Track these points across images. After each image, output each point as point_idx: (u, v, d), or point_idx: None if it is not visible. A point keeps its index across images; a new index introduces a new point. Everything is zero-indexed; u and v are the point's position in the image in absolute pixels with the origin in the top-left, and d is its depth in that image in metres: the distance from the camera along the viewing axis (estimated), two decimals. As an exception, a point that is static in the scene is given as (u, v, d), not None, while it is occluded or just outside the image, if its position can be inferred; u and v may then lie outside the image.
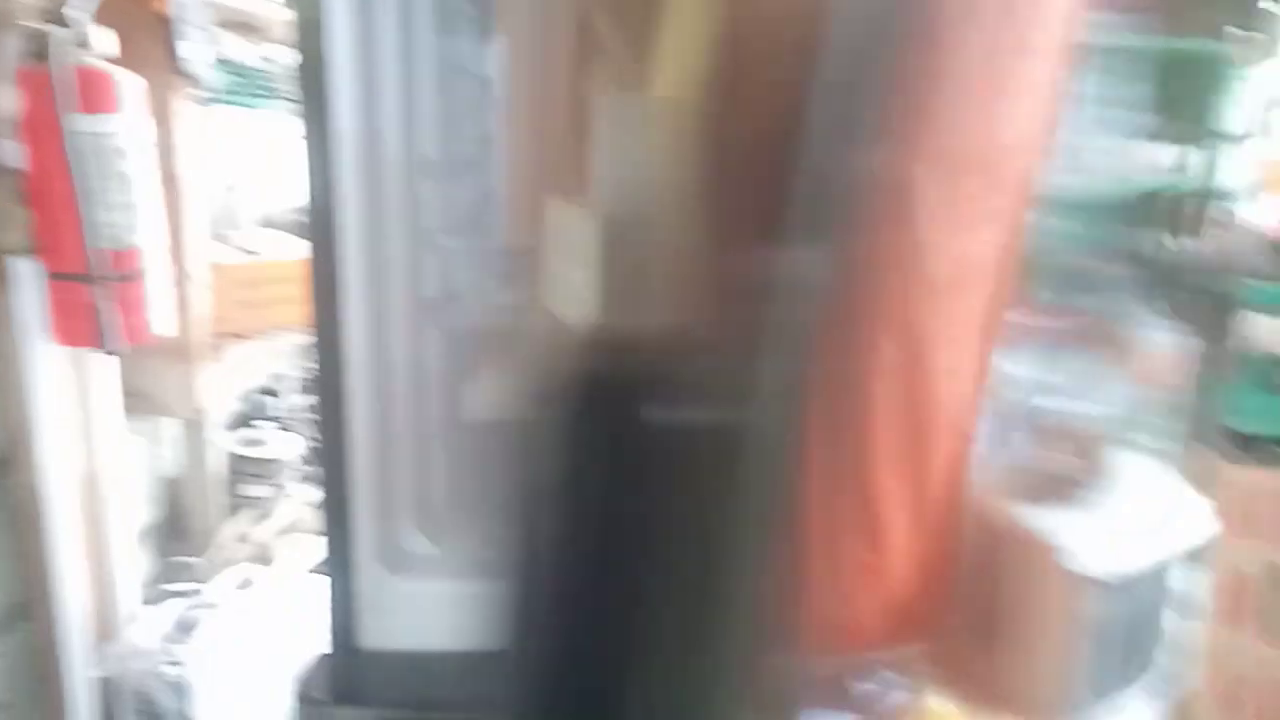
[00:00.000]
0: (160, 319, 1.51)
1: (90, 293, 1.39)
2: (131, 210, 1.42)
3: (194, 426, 1.94)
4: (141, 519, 1.93)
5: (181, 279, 1.69)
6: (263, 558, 2.15)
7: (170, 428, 1.98)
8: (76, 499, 1.61)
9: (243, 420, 2.20)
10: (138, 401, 1.81)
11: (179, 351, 1.78)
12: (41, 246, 1.40)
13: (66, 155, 1.33)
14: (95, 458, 1.65)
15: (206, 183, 1.87)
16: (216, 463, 2.00)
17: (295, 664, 1.52)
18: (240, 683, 1.44)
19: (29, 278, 1.42)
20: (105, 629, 1.71)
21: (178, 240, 1.69)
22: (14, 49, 1.36)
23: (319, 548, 2.05)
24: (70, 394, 1.57)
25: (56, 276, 1.41)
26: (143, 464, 1.93)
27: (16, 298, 1.42)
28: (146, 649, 1.52)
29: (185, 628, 1.55)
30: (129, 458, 1.83)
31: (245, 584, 1.75)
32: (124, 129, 1.41)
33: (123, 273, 1.42)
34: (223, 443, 2.04)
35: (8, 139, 1.37)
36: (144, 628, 1.57)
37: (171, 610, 1.62)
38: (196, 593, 1.65)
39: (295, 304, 2.10)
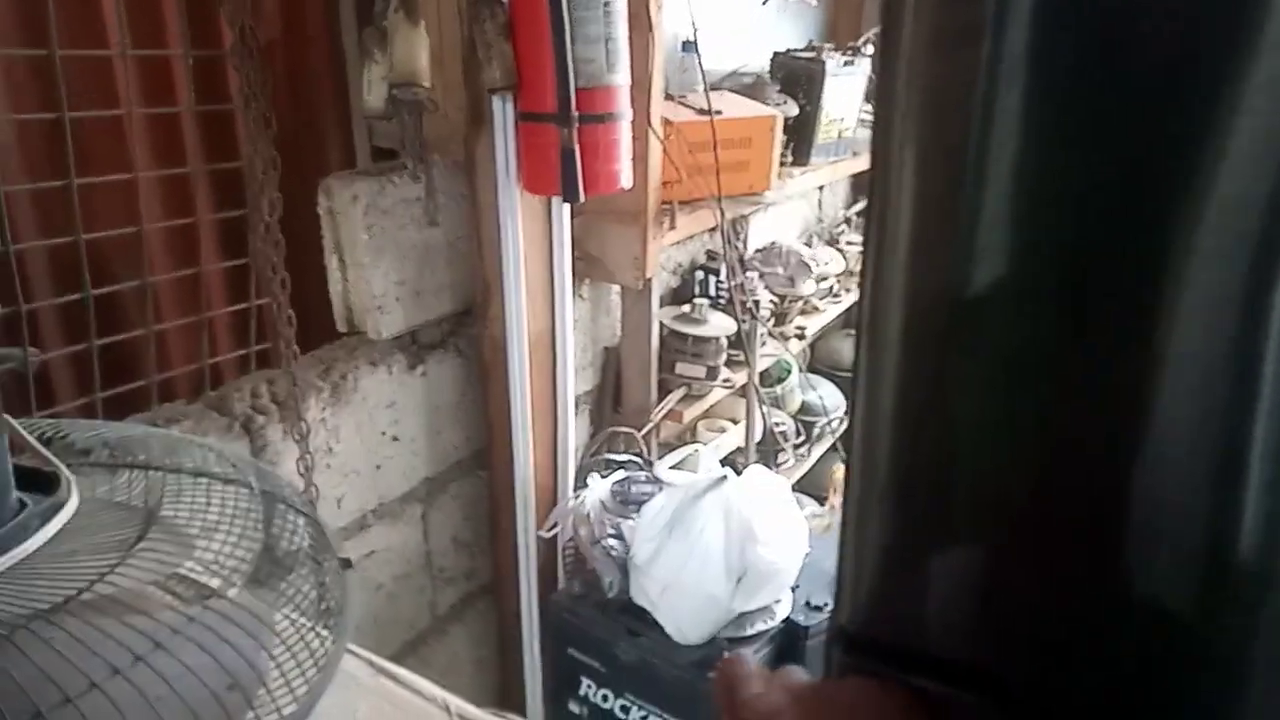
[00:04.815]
0: (626, 170, 1.39)
1: (560, 135, 1.30)
2: (610, 44, 1.29)
3: (637, 296, 1.87)
4: (584, 386, 1.93)
5: (642, 133, 1.57)
6: (689, 439, 2.09)
7: (613, 295, 1.93)
8: (532, 357, 1.59)
9: (678, 295, 2.11)
10: (586, 265, 1.76)
11: (632, 215, 1.68)
12: (519, 84, 1.32)
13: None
14: (551, 317, 1.62)
15: (669, 34, 1.73)
16: (655, 336, 1.93)
17: (740, 557, 1.41)
18: (680, 566, 1.34)
19: (507, 120, 1.36)
20: (551, 489, 1.72)
21: (640, 92, 1.56)
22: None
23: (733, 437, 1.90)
24: (535, 248, 1.53)
25: (528, 117, 1.34)
26: (587, 331, 1.91)
27: (494, 141, 1.38)
28: (590, 516, 1.48)
29: (629, 501, 1.48)
30: (577, 321, 1.81)
31: (692, 465, 1.65)
32: (602, -45, 1.28)
33: (595, 114, 1.30)
34: (660, 316, 1.96)
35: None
36: (589, 494, 1.53)
37: (616, 481, 1.56)
38: (642, 467, 1.59)
39: (750, 171, 1.96)
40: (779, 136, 1.94)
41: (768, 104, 2.02)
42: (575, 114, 1.27)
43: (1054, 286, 0.34)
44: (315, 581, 0.80)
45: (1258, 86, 0.28)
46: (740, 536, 1.33)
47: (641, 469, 1.62)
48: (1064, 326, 0.34)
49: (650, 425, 1.90)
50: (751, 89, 2.10)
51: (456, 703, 0.83)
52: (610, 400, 2.01)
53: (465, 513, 1.74)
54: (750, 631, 1.43)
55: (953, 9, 0.35)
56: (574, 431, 1.75)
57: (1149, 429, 0.33)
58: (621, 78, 1.33)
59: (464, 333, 1.61)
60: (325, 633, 0.73)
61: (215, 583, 0.72)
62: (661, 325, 1.96)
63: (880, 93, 0.39)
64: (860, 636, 0.46)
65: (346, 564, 0.77)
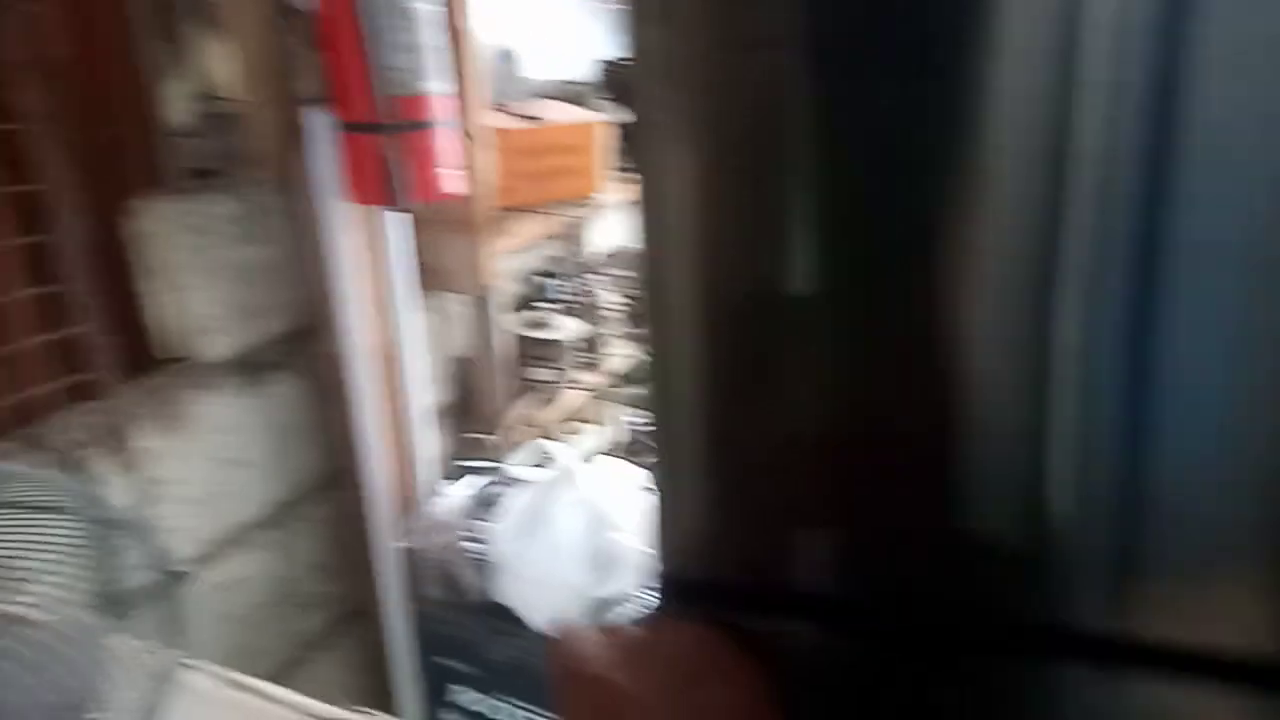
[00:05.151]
0: (451, 175, 1.41)
1: (382, 144, 1.30)
2: (420, 52, 1.31)
3: (480, 304, 1.88)
4: (433, 397, 1.92)
5: (466, 141, 1.59)
6: (547, 441, 2.10)
7: (457, 305, 1.94)
8: (376, 371, 1.58)
9: (525, 302, 2.14)
10: (425, 276, 1.76)
11: (465, 223, 1.70)
12: (332, 95, 1.32)
13: (354, -8, 1.23)
14: (391, 330, 1.61)
15: (489, 43, 1.75)
16: (502, 343, 1.95)
17: (598, 545, 1.45)
18: (540, 560, 1.36)
19: (324, 132, 1.36)
20: (407, 502, 1.70)
21: (462, 100, 1.58)
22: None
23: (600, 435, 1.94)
24: (367, 261, 1.52)
25: (347, 128, 1.33)
26: (433, 341, 1.90)
27: (312, 154, 1.37)
28: (448, 523, 1.48)
29: (486, 503, 1.49)
30: (422, 332, 1.80)
31: (544, 462, 1.67)
32: (409, -36, 1.29)
33: (413, 121, 1.31)
34: (507, 323, 1.97)
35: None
36: (445, 502, 1.53)
37: (471, 486, 1.57)
38: (496, 469, 1.59)
39: (579, 176, 2.00)
40: (605, 142, 1.99)
41: (595, 111, 2.07)
42: (392, 122, 1.28)
43: (853, 275, 0.37)
44: (151, 600, 0.78)
45: (1001, 95, 0.32)
46: (597, 525, 1.37)
47: (496, 471, 1.63)
48: (863, 306, 0.37)
49: (504, 430, 1.91)
50: (580, 97, 2.15)
51: (312, 704, 0.83)
52: (464, 409, 2.01)
53: (324, 534, 1.69)
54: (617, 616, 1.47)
55: (736, 21, 0.37)
56: (428, 443, 1.74)
57: (959, 394, 0.37)
58: (438, 85, 1.35)
59: (304, 351, 1.58)
60: (162, 648, 0.72)
61: (46, 606, 0.69)
62: (511, 331, 1.98)
63: (641, 100, 0.42)
64: (684, 579, 0.48)
65: (180, 576, 0.76)
